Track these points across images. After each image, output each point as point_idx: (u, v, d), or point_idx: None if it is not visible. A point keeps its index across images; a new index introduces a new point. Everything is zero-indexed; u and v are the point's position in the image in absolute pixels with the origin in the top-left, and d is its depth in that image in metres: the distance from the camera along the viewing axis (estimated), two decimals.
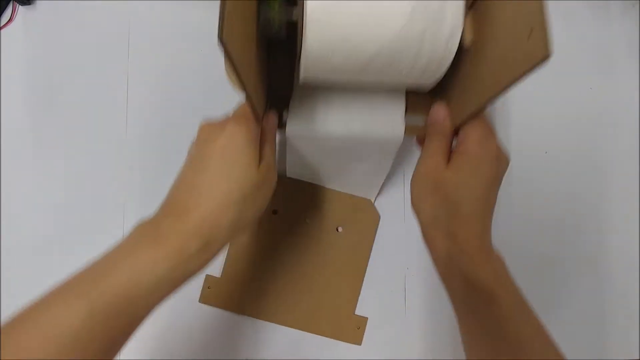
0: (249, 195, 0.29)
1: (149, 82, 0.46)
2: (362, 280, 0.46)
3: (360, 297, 0.46)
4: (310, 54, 0.29)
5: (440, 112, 0.33)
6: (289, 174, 0.45)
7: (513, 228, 0.48)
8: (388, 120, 0.36)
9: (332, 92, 0.36)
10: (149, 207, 0.45)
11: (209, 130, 0.30)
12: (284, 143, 0.39)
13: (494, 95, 0.29)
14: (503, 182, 0.47)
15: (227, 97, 0.46)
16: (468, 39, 0.30)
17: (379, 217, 0.46)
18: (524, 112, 0.49)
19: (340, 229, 0.46)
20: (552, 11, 0.52)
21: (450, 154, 0.32)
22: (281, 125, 0.36)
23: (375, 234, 0.46)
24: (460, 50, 0.30)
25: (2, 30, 0.46)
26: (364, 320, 0.46)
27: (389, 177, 0.47)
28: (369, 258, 0.46)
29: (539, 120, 0.49)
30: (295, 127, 0.36)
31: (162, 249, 0.26)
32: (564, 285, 0.48)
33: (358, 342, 0.46)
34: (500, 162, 0.31)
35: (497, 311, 0.29)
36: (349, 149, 0.39)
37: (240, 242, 0.45)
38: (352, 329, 0.45)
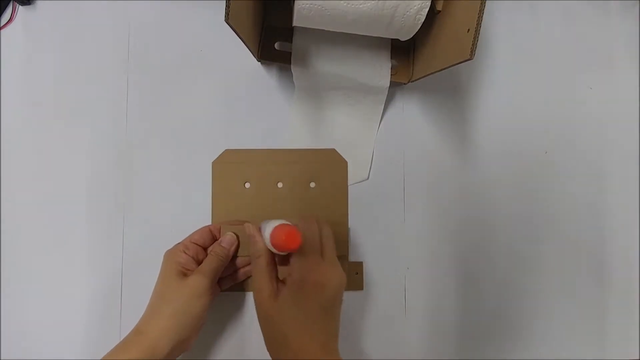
0: (193, 328, 0.37)
1: (149, 82, 0.46)
2: (347, 226, 0.46)
3: (360, 297, 0.46)
4: (298, 15, 0.37)
5: (250, 229, 0.39)
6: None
7: (513, 227, 0.48)
8: (376, 67, 0.44)
9: (328, 38, 0.44)
10: (149, 207, 0.45)
11: (173, 271, 0.38)
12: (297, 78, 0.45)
13: (434, 72, 0.38)
14: (504, 181, 0.48)
15: (226, 97, 0.47)
16: (439, 6, 0.38)
17: (347, 163, 0.46)
18: (524, 112, 0.49)
19: (312, 184, 0.46)
20: (552, 11, 0.52)
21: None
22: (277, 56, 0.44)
23: (347, 179, 0.46)
24: (432, 12, 0.38)
25: (2, 30, 0.46)
26: (360, 264, 0.46)
27: (388, 179, 0.47)
28: (347, 203, 0.46)
29: (538, 120, 0.49)
30: (298, 62, 0.43)
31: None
32: (564, 285, 0.48)
33: (360, 287, 0.46)
34: (325, 287, 0.35)
35: None
36: (343, 87, 0.45)
37: (223, 209, 0.45)
38: (351, 276, 0.46)
